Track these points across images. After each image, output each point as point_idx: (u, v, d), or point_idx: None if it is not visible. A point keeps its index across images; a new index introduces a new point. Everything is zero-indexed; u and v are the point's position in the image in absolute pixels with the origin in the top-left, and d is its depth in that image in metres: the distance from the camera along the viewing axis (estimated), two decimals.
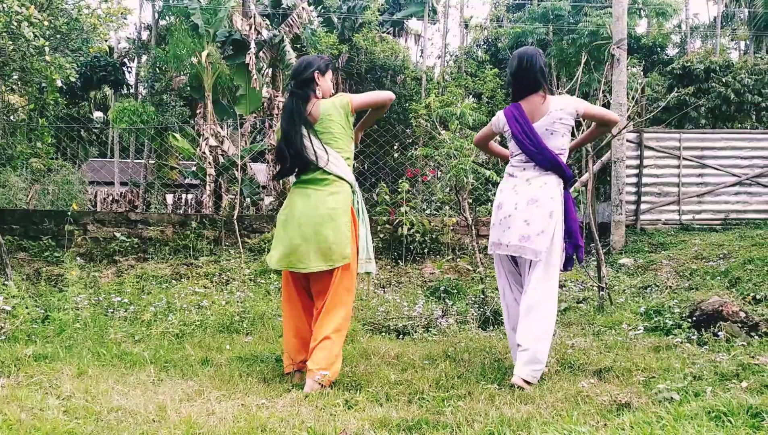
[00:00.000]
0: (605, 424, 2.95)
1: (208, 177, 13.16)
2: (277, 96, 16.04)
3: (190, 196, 16.85)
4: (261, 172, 17.05)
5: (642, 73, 16.80)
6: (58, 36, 7.28)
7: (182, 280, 7.37)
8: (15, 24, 6.31)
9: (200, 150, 13.38)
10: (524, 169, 4.05)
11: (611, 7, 11.96)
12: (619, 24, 10.23)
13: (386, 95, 4.02)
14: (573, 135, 4.22)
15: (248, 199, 12.54)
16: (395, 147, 15.51)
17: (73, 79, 7.52)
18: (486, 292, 6.18)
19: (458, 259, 8.49)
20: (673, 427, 2.76)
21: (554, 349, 4.58)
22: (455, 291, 7.13)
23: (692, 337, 4.88)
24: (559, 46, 17.75)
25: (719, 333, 4.82)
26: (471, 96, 17.27)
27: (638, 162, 11.37)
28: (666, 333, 5.16)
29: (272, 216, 9.16)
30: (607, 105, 10.24)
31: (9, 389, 3.55)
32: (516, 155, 4.10)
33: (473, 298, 6.44)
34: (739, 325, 4.99)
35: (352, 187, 3.97)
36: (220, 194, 13.26)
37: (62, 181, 12.39)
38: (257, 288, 6.97)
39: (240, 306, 5.94)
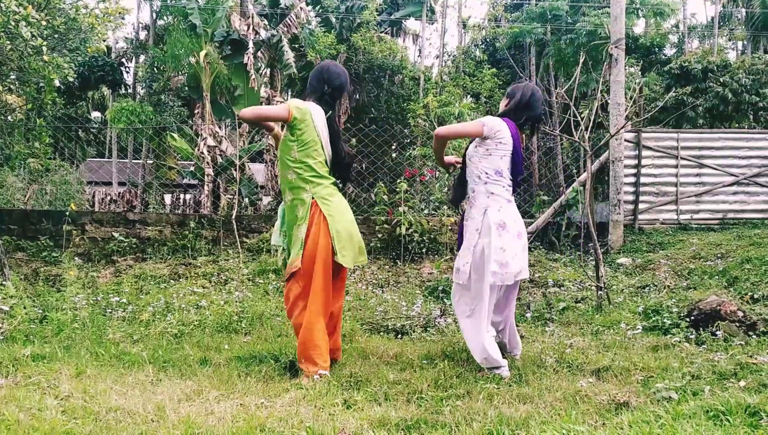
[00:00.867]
0: (604, 424, 2.96)
1: (206, 177, 13.15)
2: (275, 96, 16.04)
3: (188, 196, 16.85)
4: (259, 172, 17.03)
5: (640, 73, 16.83)
6: (56, 36, 7.27)
7: (180, 280, 7.37)
8: (13, 24, 6.31)
9: (198, 150, 13.36)
10: (511, 192, 4.26)
11: (609, 6, 11.97)
12: (617, 24, 10.23)
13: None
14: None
15: (246, 199, 12.53)
16: (393, 147, 15.51)
17: (71, 79, 7.52)
18: None
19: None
20: (672, 426, 2.77)
21: (553, 349, 4.59)
22: None
23: (690, 337, 4.89)
24: (557, 45, 17.75)
25: (717, 332, 4.83)
26: (469, 96, 17.28)
27: (636, 162, 11.37)
28: (664, 332, 5.17)
29: (270, 216, 9.15)
30: (605, 105, 10.25)
31: (7, 389, 3.55)
32: (503, 175, 4.19)
33: None
34: (737, 324, 5.00)
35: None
36: (218, 194, 13.24)
37: (60, 181, 12.37)
38: (256, 288, 6.97)
39: (238, 306, 5.94)
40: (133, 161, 22.15)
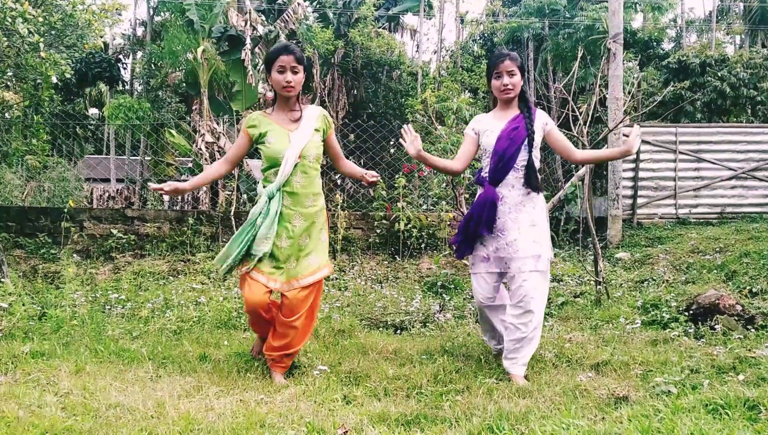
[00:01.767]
0: (603, 418, 2.96)
1: None
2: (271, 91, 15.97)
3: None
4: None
5: (638, 67, 16.81)
6: (53, 32, 7.24)
7: (179, 276, 7.37)
8: (9, 20, 6.28)
9: (196, 146, 13.34)
10: None
11: (607, 1, 11.95)
12: (615, 18, 10.22)
13: None
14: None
15: (245, 196, 12.52)
16: (391, 142, 15.49)
17: (68, 76, 7.49)
18: None
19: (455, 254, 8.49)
20: (671, 420, 2.78)
21: (552, 344, 4.59)
22: (452, 286, 7.13)
23: (689, 331, 4.90)
24: (555, 40, 17.70)
25: (716, 326, 4.84)
26: (467, 91, 17.27)
27: (635, 156, 11.38)
28: (663, 327, 5.18)
29: None
30: (603, 99, 10.25)
31: (7, 387, 3.55)
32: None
33: (470, 293, 6.45)
34: (736, 318, 5.01)
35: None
36: (216, 190, 13.22)
37: (58, 178, 12.35)
38: None
39: (238, 302, 5.94)
40: (131, 158, 22.10)
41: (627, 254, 8.79)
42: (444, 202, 9.41)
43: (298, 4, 16.24)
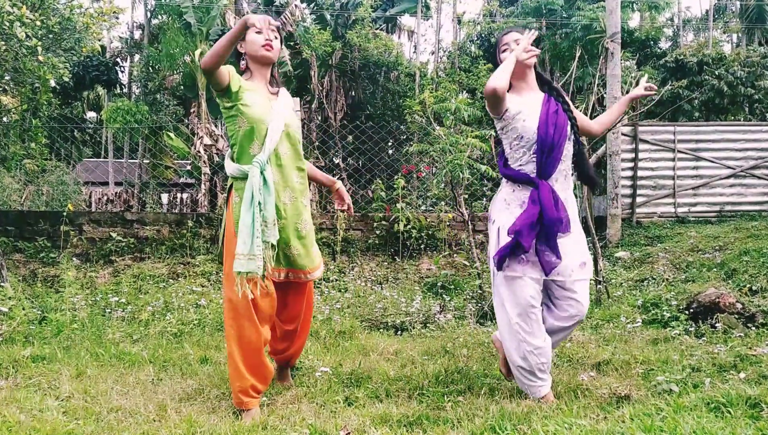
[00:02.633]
0: (605, 417, 2.96)
1: (203, 176, 13.14)
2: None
3: (185, 195, 16.82)
4: None
5: (636, 66, 16.82)
6: (51, 36, 7.23)
7: (179, 279, 7.36)
8: (7, 24, 6.28)
9: (195, 149, 13.35)
10: None
11: (604, 0, 11.97)
12: (612, 18, 10.24)
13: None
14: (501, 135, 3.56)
15: None
16: (390, 143, 15.50)
17: (66, 79, 7.48)
18: (483, 287, 6.19)
19: (455, 255, 8.49)
20: (673, 419, 2.77)
21: None
22: (452, 286, 7.13)
23: (690, 329, 4.91)
24: (553, 40, 17.73)
25: (716, 324, 4.84)
26: (465, 91, 17.27)
27: (633, 155, 11.39)
28: (664, 325, 5.18)
29: None
30: (601, 99, 10.26)
31: (8, 391, 3.55)
32: None
33: (471, 294, 6.45)
34: (736, 316, 5.02)
35: (233, 178, 3.38)
36: (215, 193, 13.23)
37: (56, 182, 12.35)
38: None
39: None
40: (130, 161, 22.08)
41: (627, 253, 8.79)
42: (443, 203, 9.41)
43: (296, 6, 16.26)
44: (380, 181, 9.92)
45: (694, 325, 5.01)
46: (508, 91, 3.39)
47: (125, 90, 22.16)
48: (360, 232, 8.80)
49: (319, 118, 16.70)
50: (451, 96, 12.27)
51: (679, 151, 11.51)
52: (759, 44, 21.61)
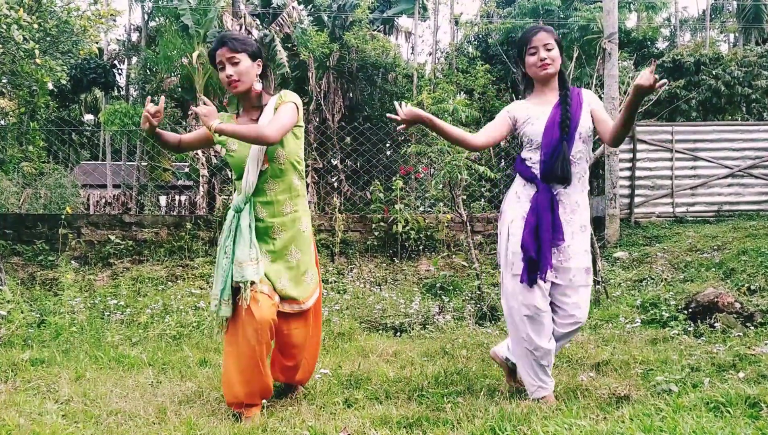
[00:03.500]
0: (605, 418, 2.96)
1: (201, 178, 13.14)
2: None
3: (183, 198, 16.82)
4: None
5: (633, 66, 16.84)
6: (48, 39, 7.23)
7: (178, 281, 7.36)
8: (4, 27, 6.27)
9: (193, 151, 13.34)
10: None
11: (601, 1, 11.98)
12: (609, 18, 10.25)
13: None
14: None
15: None
16: (388, 144, 15.49)
17: (63, 82, 7.47)
18: (482, 288, 6.20)
19: (453, 256, 8.50)
20: (673, 419, 2.78)
21: None
22: (451, 287, 7.14)
23: (689, 329, 4.91)
24: None
25: (715, 324, 4.85)
26: (462, 92, 17.27)
27: (631, 155, 11.40)
28: (662, 325, 5.19)
29: None
30: (599, 99, 10.26)
31: (7, 394, 3.54)
32: None
33: (469, 294, 6.46)
34: (735, 316, 5.02)
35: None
36: (213, 195, 13.22)
37: (54, 185, 12.33)
38: None
39: None
40: (128, 163, 22.07)
41: (625, 253, 8.80)
42: (441, 204, 9.42)
43: (293, 7, 16.26)
44: (378, 183, 9.92)
45: (692, 324, 5.01)
46: (526, 97, 3.56)
47: (123, 92, 22.14)
48: (358, 234, 8.80)
49: (317, 119, 16.69)
50: (449, 97, 12.29)
51: (677, 151, 11.52)
52: (756, 44, 21.66)
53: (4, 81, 7.70)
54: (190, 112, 14.98)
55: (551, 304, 3.41)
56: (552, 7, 18.79)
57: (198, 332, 5.33)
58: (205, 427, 2.99)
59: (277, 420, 3.08)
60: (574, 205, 3.41)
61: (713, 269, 7.13)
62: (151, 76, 18.39)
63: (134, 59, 21.39)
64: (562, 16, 18.50)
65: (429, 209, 9.84)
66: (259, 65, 3.29)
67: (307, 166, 14.37)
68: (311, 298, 3.39)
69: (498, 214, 3.75)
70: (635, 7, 19.56)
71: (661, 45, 22.13)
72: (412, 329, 5.47)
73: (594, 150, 10.77)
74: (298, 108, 3.24)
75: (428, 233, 8.71)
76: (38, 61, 6.66)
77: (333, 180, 16.00)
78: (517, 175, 3.55)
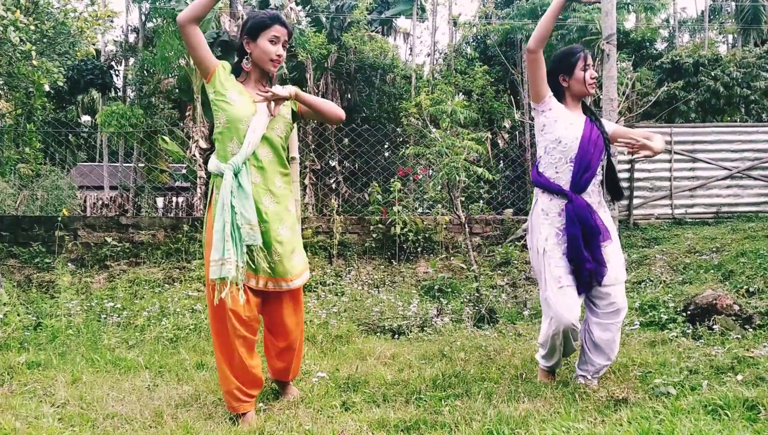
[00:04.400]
0: (603, 420, 2.95)
1: (198, 179, 13.10)
2: None
3: (180, 199, 16.79)
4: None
5: (632, 67, 16.85)
6: (45, 40, 7.21)
7: (175, 284, 7.34)
8: (1, 29, 6.26)
9: (190, 152, 13.30)
10: None
11: (600, 2, 11.98)
12: (608, 19, 10.22)
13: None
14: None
15: None
16: (386, 146, 15.48)
17: (60, 84, 7.46)
18: (480, 290, 6.19)
19: (452, 258, 8.49)
20: (671, 422, 2.77)
21: None
22: (449, 289, 7.12)
23: (687, 331, 4.90)
24: (549, 42, 17.78)
25: (714, 326, 4.84)
26: (461, 93, 17.27)
27: (630, 157, 11.39)
28: (661, 328, 5.18)
29: None
30: (597, 100, 10.26)
31: (3, 398, 3.53)
32: None
33: (468, 297, 6.44)
34: (734, 318, 5.02)
35: (213, 176, 3.29)
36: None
37: (51, 187, 12.29)
38: None
39: None
40: (124, 165, 22.03)
41: (624, 255, 8.79)
42: (440, 206, 9.41)
43: (291, 8, 16.24)
44: (377, 184, 9.90)
45: (691, 327, 5.01)
46: (560, 102, 3.68)
47: (120, 93, 22.11)
48: (356, 236, 8.78)
49: (315, 120, 16.68)
50: (448, 98, 12.27)
51: (676, 153, 11.52)
52: (755, 45, 21.66)
53: (0, 82, 7.68)
54: (186, 114, 14.96)
55: (592, 302, 3.63)
56: None
57: (195, 335, 5.31)
58: (202, 430, 2.98)
59: (274, 423, 3.06)
60: (603, 212, 3.62)
61: (712, 271, 7.12)
62: (148, 77, 18.36)
63: (131, 60, 21.37)
64: (560, 16, 18.50)
65: (427, 211, 9.82)
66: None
67: (305, 167, 14.36)
68: (299, 277, 3.36)
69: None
70: (634, 8, 19.57)
71: (660, 46, 22.13)
72: (410, 332, 5.45)
73: None
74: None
75: (426, 235, 8.70)
76: (35, 62, 6.65)
77: (331, 181, 15.97)
78: (539, 190, 3.66)
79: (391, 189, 8.85)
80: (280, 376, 3.56)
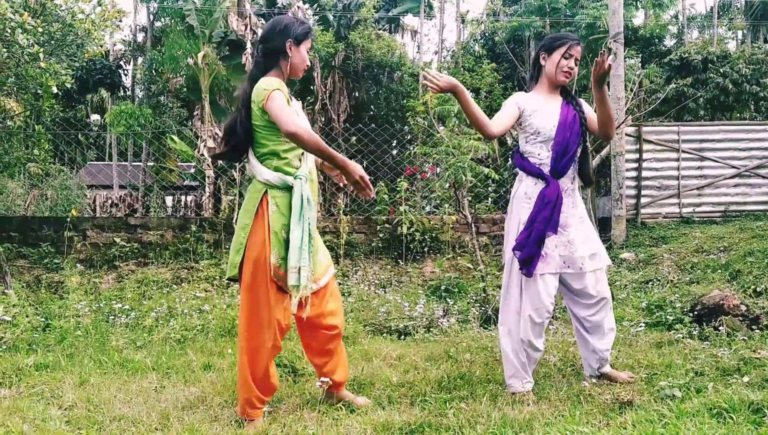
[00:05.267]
0: (608, 423, 2.95)
1: (206, 179, 13.14)
2: None
3: (189, 198, 16.85)
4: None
5: (640, 64, 16.77)
6: (53, 42, 7.24)
7: (183, 284, 7.37)
8: (9, 31, 6.29)
9: (198, 152, 13.34)
10: None
11: None
12: (615, 17, 10.21)
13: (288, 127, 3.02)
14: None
15: None
16: (393, 145, 15.48)
17: (68, 85, 7.49)
18: (487, 290, 6.18)
19: (459, 258, 8.49)
20: (675, 425, 2.77)
21: (556, 347, 4.58)
22: (456, 290, 7.12)
23: (694, 332, 4.89)
24: None
25: (720, 327, 4.82)
26: (469, 91, 17.27)
27: (638, 156, 11.36)
28: (668, 328, 5.17)
29: None
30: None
31: (11, 400, 3.56)
32: None
33: (474, 297, 6.44)
34: (740, 318, 5.00)
35: (268, 186, 3.20)
36: (219, 196, 13.23)
37: (60, 187, 12.36)
38: None
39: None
40: (133, 164, 22.13)
41: (631, 254, 8.77)
42: (447, 205, 9.40)
43: (298, 7, 16.25)
44: (384, 184, 9.91)
45: (698, 327, 4.99)
46: (531, 89, 3.79)
47: (129, 93, 22.20)
48: (363, 236, 8.80)
49: (322, 119, 16.69)
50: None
51: (684, 151, 11.47)
52: (764, 41, 21.54)
53: (9, 82, 7.71)
54: (195, 113, 14.99)
55: (572, 292, 3.70)
56: (558, 5, 18.74)
57: (202, 336, 5.35)
58: (208, 433, 3.00)
59: (279, 426, 3.08)
60: (577, 200, 3.70)
61: (719, 271, 7.10)
62: (156, 76, 18.43)
63: (140, 60, 21.45)
64: (568, 14, 18.45)
65: (434, 210, 9.83)
66: None
67: None
68: (324, 275, 3.36)
69: (504, 214, 3.94)
70: (642, 4, 19.47)
71: (669, 42, 22.03)
72: (417, 332, 5.46)
73: (599, 150, 10.77)
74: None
75: (433, 235, 8.70)
76: (42, 64, 6.68)
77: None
78: (523, 173, 3.72)
79: (398, 188, 8.85)
80: (325, 375, 3.46)
